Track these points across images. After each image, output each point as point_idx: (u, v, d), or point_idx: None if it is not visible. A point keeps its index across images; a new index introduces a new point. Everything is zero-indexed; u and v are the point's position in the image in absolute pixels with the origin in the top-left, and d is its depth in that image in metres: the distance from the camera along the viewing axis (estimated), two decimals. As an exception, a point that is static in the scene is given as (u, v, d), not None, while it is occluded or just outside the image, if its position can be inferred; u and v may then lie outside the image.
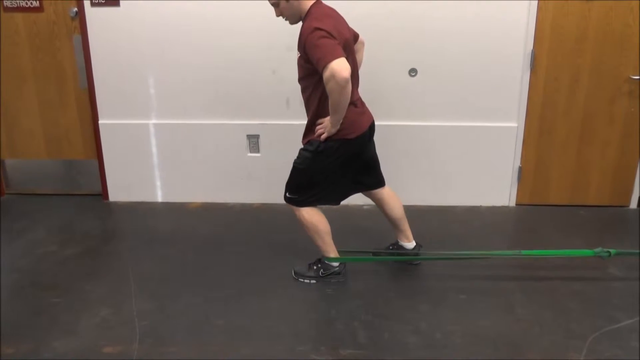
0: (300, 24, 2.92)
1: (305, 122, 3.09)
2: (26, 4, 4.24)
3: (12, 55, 4.39)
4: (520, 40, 4.04)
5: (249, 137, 4.39)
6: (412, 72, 4.15)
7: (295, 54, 2.94)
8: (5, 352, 2.70)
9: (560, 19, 3.98)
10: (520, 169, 4.35)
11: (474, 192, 4.42)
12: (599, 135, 4.23)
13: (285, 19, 3.00)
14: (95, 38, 4.23)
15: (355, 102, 2.99)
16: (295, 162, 3.12)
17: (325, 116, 2.91)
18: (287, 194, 3.18)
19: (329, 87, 2.67)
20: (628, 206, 4.41)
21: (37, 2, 4.23)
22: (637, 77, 4.05)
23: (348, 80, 2.62)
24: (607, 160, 4.29)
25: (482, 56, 4.09)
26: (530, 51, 4.05)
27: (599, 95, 4.13)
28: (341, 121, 2.86)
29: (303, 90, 3.04)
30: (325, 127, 2.91)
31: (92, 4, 4.13)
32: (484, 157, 4.32)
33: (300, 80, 3.01)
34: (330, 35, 2.69)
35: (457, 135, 4.28)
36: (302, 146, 3.12)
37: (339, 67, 2.59)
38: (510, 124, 4.24)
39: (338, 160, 3.02)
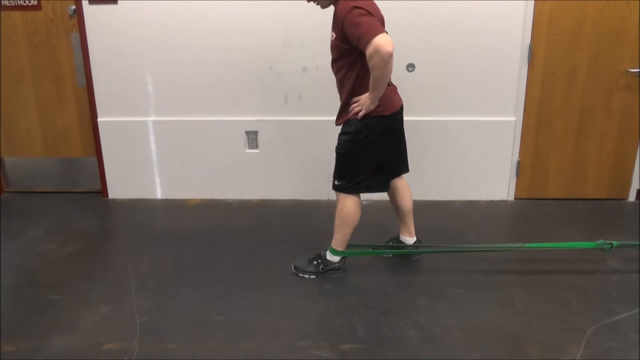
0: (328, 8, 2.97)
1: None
2: (24, 2, 4.23)
3: (9, 54, 4.38)
4: (517, 35, 4.04)
5: (248, 133, 4.39)
6: (410, 67, 4.15)
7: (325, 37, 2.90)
8: (6, 349, 2.71)
9: (558, 12, 3.98)
10: (519, 163, 4.35)
11: (472, 187, 4.43)
12: (596, 129, 4.24)
13: (317, 4, 3.01)
14: (94, 36, 4.23)
15: (389, 81, 3.00)
16: (336, 149, 3.13)
17: (360, 95, 2.93)
18: (335, 182, 3.18)
19: (373, 62, 2.68)
20: (626, 199, 4.42)
21: (35, 0, 4.23)
22: (634, 70, 4.05)
23: (392, 54, 2.65)
24: (605, 154, 4.30)
25: (479, 51, 4.09)
26: (528, 45, 4.05)
27: (597, 88, 4.14)
28: (380, 97, 2.88)
29: (337, 72, 3.05)
30: (363, 104, 2.93)
31: (90, 2, 4.13)
32: (482, 151, 4.33)
33: (334, 62, 3.03)
34: (369, 13, 2.72)
35: (455, 130, 4.29)
36: (335, 127, 3.13)
37: (383, 42, 2.62)
38: (509, 118, 4.25)
39: (376, 139, 3.03)
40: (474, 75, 4.15)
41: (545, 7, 3.97)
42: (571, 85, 4.15)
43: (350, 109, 3.00)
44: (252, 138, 4.40)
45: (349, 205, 3.17)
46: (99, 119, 4.44)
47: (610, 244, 3.30)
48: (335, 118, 3.17)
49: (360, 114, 2.95)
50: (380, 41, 2.62)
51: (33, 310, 3.05)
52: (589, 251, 3.43)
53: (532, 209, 4.32)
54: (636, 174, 4.34)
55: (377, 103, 2.91)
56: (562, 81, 4.14)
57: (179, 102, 4.36)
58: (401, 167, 3.37)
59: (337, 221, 3.24)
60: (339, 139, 3.12)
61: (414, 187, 4.34)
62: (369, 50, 2.66)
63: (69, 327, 2.89)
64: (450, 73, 4.16)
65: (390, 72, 2.76)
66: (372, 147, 3.05)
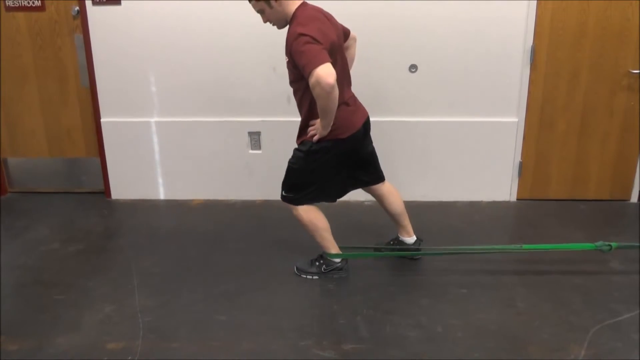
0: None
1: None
2: (28, 3, 4.25)
3: (13, 55, 4.40)
4: (520, 36, 4.04)
5: (251, 134, 4.40)
6: (413, 68, 4.16)
7: None
8: (9, 348, 2.72)
9: (560, 13, 3.99)
10: (521, 164, 4.35)
11: (474, 187, 4.43)
12: (599, 130, 4.24)
13: (273, 25, 3.00)
14: (97, 37, 4.24)
15: (347, 101, 3.00)
16: (289, 162, 3.14)
17: (317, 117, 2.91)
18: (283, 193, 3.21)
19: (315, 93, 2.68)
20: (628, 200, 4.41)
21: (39, 1, 4.24)
22: (636, 72, 4.06)
23: (334, 86, 2.62)
24: (607, 155, 4.30)
25: (482, 52, 4.09)
26: (530, 46, 4.05)
27: (599, 89, 4.14)
28: (332, 123, 2.86)
29: (295, 93, 3.06)
30: (317, 129, 2.93)
31: (94, 3, 4.14)
32: (484, 152, 4.33)
33: (291, 83, 3.02)
34: (315, 40, 2.68)
35: (458, 131, 4.29)
36: (296, 146, 3.14)
37: (324, 73, 2.59)
38: (511, 119, 4.25)
39: (332, 159, 3.05)
40: (476, 76, 4.16)
41: (547, 8, 3.98)
42: (573, 86, 4.15)
43: (308, 130, 3.01)
44: (255, 139, 4.41)
45: (304, 214, 3.19)
46: (102, 120, 4.45)
47: (610, 245, 3.30)
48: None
49: (315, 138, 2.95)
50: (322, 72, 2.59)
51: (36, 309, 3.06)
52: (590, 252, 3.43)
53: (534, 209, 4.32)
54: (638, 175, 4.34)
55: (329, 129, 2.89)
56: (564, 82, 4.14)
57: (182, 103, 4.37)
58: (372, 178, 3.35)
59: (307, 231, 3.27)
60: (294, 153, 3.13)
61: (416, 187, 4.38)
62: (311, 81, 2.64)
63: (72, 326, 2.90)
64: (452, 74, 4.17)
65: (334, 101, 2.72)
66: (325, 166, 3.07)
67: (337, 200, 3.35)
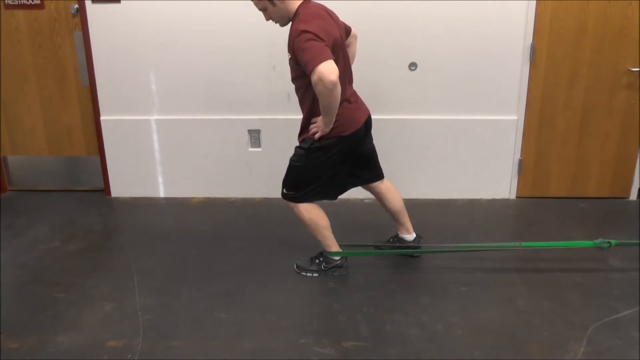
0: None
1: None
2: (27, 1, 4.25)
3: (13, 53, 4.40)
4: (520, 34, 4.04)
5: (250, 132, 4.40)
6: (412, 66, 4.16)
7: None
8: (10, 346, 2.72)
9: (559, 12, 3.98)
10: (521, 162, 4.36)
11: (474, 185, 4.44)
12: (598, 128, 4.24)
13: (276, 22, 2.99)
14: (96, 35, 4.24)
15: (349, 99, 2.99)
16: (291, 159, 3.14)
17: (319, 115, 2.90)
18: (284, 190, 3.20)
19: (318, 90, 2.67)
20: (628, 198, 4.42)
21: (39, -1, 4.26)
22: (636, 70, 4.06)
23: (336, 83, 2.61)
24: (607, 153, 4.30)
25: (482, 50, 4.09)
26: (530, 44, 4.05)
27: (599, 87, 4.14)
28: (334, 120, 2.86)
29: (297, 90, 3.05)
30: (319, 126, 2.92)
31: (93, 1, 4.14)
32: (484, 150, 4.33)
33: (293, 80, 3.02)
34: (317, 37, 2.67)
35: (458, 129, 4.29)
36: (297, 144, 3.13)
37: (327, 70, 2.58)
38: (511, 116, 4.25)
39: (333, 157, 3.03)
40: (476, 74, 4.16)
41: (547, 6, 3.98)
42: (573, 84, 4.15)
43: (310, 128, 3.00)
44: (255, 137, 4.42)
45: (305, 212, 3.19)
46: (101, 118, 4.45)
47: (609, 242, 3.31)
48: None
49: (317, 136, 2.95)
50: (324, 70, 2.58)
51: (37, 308, 3.06)
52: (590, 249, 3.44)
53: (534, 207, 4.32)
54: (638, 173, 4.34)
55: (331, 126, 2.89)
56: (564, 80, 4.14)
57: (182, 101, 4.37)
58: (372, 175, 3.35)
59: (308, 230, 3.27)
60: (295, 151, 3.13)
61: (416, 185, 4.38)
62: (314, 79, 2.63)
63: (72, 324, 2.90)
64: (452, 72, 4.17)
65: (337, 98, 2.71)
66: (327, 164, 3.06)
67: (338, 198, 3.34)
